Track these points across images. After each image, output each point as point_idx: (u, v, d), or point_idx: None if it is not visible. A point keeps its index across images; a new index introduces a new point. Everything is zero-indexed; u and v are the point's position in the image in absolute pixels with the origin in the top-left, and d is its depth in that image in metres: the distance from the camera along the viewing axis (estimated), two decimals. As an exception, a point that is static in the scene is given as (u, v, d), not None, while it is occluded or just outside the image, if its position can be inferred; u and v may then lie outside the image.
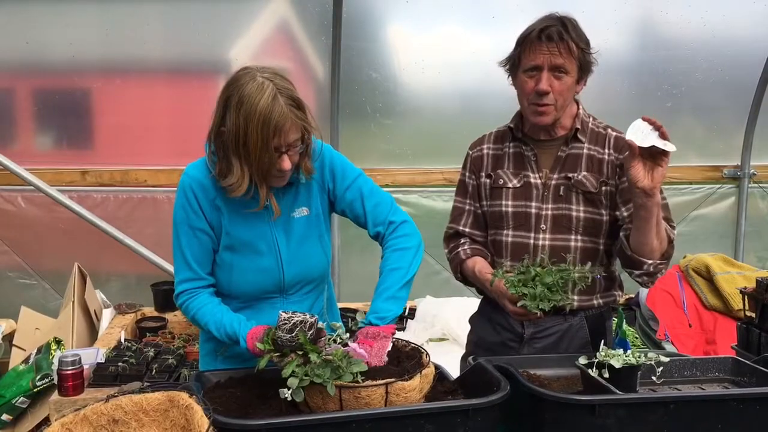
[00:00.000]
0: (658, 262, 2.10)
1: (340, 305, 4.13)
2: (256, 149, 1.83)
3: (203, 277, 2.03)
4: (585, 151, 2.25)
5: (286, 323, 1.73)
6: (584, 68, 2.16)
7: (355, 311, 3.81)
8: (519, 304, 2.02)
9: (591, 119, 2.31)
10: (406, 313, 4.35)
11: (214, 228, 2.01)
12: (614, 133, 2.27)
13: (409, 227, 2.10)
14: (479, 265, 2.32)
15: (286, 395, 1.61)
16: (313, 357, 1.67)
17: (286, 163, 1.88)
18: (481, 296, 2.47)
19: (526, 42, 2.14)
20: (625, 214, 2.22)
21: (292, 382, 1.61)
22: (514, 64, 2.21)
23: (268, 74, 1.86)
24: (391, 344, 1.83)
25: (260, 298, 2.08)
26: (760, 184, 5.23)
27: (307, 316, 1.75)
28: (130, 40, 4.39)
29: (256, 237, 2.02)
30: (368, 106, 4.69)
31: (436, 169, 4.83)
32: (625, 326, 2.75)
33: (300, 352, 1.70)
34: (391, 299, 1.94)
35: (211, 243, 2.02)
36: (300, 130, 1.88)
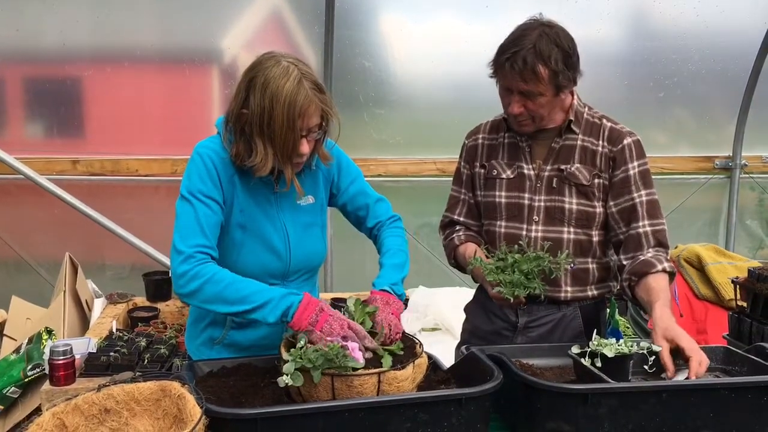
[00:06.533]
0: None
1: (333, 295, 4.15)
2: (281, 130, 1.84)
3: (214, 247, 1.93)
4: (579, 142, 2.24)
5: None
6: (560, 86, 2.10)
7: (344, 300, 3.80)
8: (495, 290, 2.07)
9: (586, 109, 2.29)
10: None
11: (226, 203, 1.98)
12: (609, 124, 2.25)
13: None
14: (469, 250, 2.33)
15: (286, 381, 1.60)
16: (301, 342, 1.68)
17: (305, 147, 1.90)
18: (477, 284, 2.48)
19: (496, 65, 2.13)
20: (614, 209, 2.23)
21: (289, 367, 1.61)
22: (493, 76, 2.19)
23: (291, 59, 1.88)
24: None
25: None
26: (751, 175, 5.26)
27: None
28: (121, 28, 4.37)
29: (265, 219, 2.03)
30: (361, 95, 4.69)
31: (428, 159, 4.83)
32: (617, 316, 2.76)
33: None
34: (401, 281, 2.05)
35: (222, 218, 1.97)
36: (320, 115, 1.90)
